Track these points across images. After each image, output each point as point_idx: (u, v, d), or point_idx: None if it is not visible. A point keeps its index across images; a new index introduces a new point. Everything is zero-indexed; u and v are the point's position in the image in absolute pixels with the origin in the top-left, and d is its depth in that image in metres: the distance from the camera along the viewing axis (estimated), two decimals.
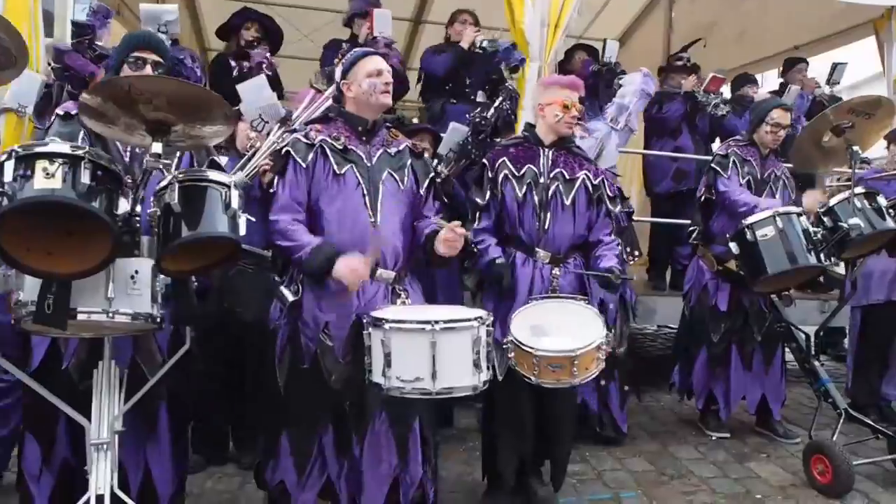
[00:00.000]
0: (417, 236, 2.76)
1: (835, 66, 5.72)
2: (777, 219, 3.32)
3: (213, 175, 2.03)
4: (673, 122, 5.29)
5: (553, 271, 3.10)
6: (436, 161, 3.54)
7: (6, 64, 1.84)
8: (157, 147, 1.89)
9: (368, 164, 2.65)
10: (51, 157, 1.72)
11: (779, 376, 4.17)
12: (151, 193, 2.04)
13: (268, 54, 4.47)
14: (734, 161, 4.05)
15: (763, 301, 3.97)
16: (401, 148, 2.78)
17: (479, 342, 2.33)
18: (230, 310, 3.02)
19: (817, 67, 6.17)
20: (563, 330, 2.78)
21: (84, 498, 2.20)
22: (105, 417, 2.28)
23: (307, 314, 2.59)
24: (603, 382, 4.00)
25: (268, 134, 3.12)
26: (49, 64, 3.61)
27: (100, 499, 2.18)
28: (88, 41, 3.50)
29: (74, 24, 3.61)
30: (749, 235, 3.35)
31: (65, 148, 1.75)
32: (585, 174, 3.15)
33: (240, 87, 3.38)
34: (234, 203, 2.00)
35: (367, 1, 4.72)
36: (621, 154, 4.50)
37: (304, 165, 2.60)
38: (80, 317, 2.03)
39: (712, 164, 4.10)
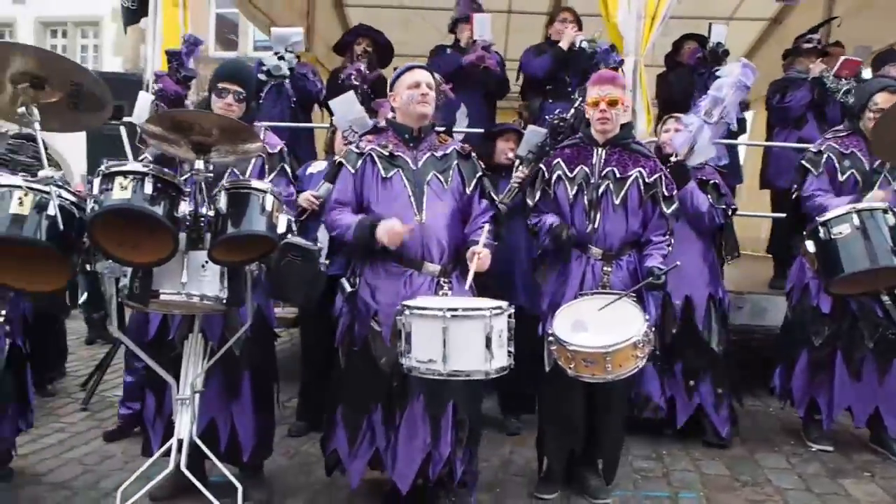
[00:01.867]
0: (466, 238, 3.07)
1: None
2: (856, 215, 3.19)
3: (254, 183, 2.55)
4: (797, 111, 5.02)
5: (604, 268, 3.26)
6: (517, 162, 3.81)
7: (97, 108, 2.45)
8: (199, 164, 2.45)
9: (414, 168, 3.02)
10: (125, 173, 2.33)
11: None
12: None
13: (361, 67, 4.98)
14: (829, 157, 3.85)
15: (877, 305, 3.75)
16: (447, 151, 3.11)
17: (492, 330, 2.58)
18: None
19: None
20: (602, 326, 2.96)
21: (170, 441, 2.84)
22: (188, 379, 2.91)
23: (360, 303, 3.03)
24: (692, 383, 4.04)
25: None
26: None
27: (181, 442, 2.81)
28: (177, 66, 4.25)
29: (167, 52, 4.39)
30: (823, 233, 3.25)
31: (136, 166, 2.35)
32: (639, 172, 3.25)
33: (332, 103, 3.93)
34: (269, 206, 2.50)
35: (470, 6, 5.07)
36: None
37: (352, 171, 3.05)
38: (163, 297, 2.66)
39: (802, 161, 3.93)
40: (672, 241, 3.32)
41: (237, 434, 3.18)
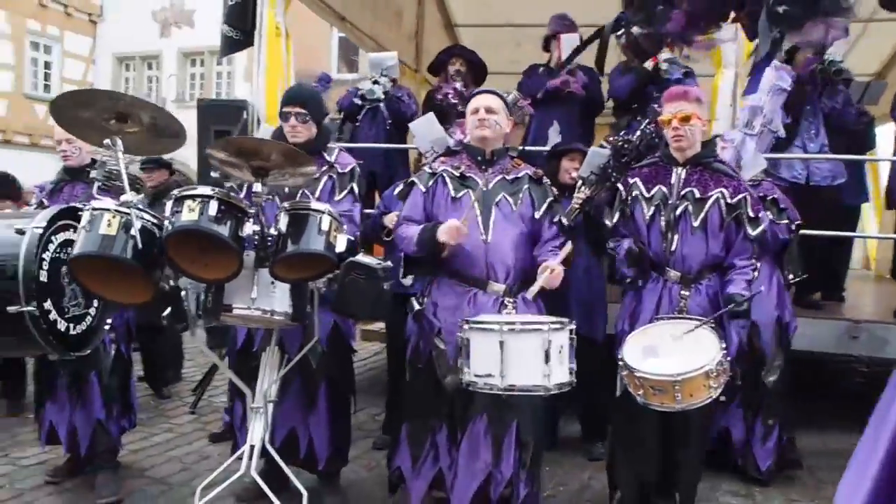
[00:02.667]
0: (534, 261, 3.07)
1: None
2: None
3: (313, 205, 2.71)
4: None
5: (682, 292, 3.15)
6: (579, 182, 3.78)
7: (174, 136, 2.72)
8: (257, 187, 2.64)
9: (484, 189, 3.08)
10: (193, 196, 2.55)
11: None
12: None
13: (457, 86, 5.08)
14: None
15: None
16: (519, 175, 3.15)
17: (551, 345, 2.57)
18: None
19: None
20: (675, 352, 2.87)
21: (242, 448, 3.04)
22: (263, 388, 3.11)
23: (425, 321, 3.12)
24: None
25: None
26: None
27: (253, 448, 3.00)
28: None
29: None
30: None
31: (203, 190, 2.57)
32: (721, 192, 3.11)
33: (412, 125, 4.07)
34: (326, 226, 2.65)
35: (561, 24, 5.05)
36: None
37: (423, 190, 3.15)
38: (235, 311, 2.87)
39: None
40: (758, 265, 3.15)
41: (314, 443, 3.36)
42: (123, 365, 3.67)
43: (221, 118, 5.02)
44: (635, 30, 3.89)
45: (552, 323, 2.61)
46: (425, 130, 4.04)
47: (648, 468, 3.18)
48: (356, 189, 3.38)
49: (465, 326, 2.69)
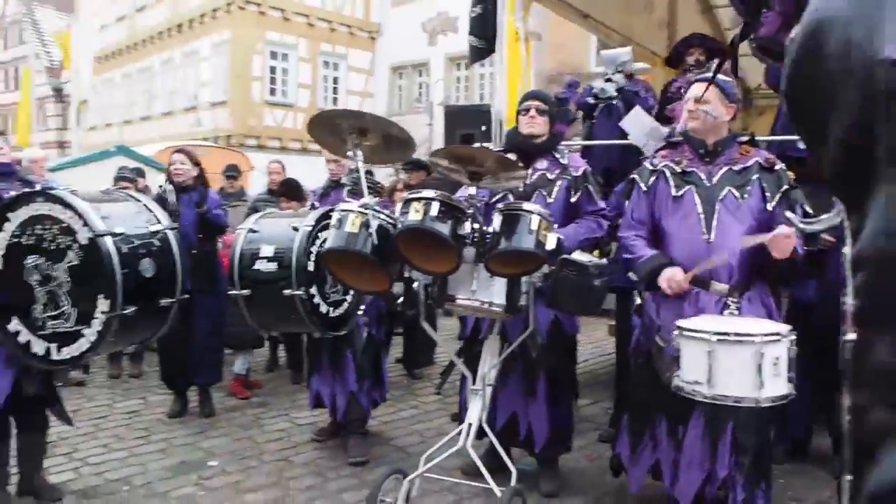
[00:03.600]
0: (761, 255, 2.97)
1: None
2: None
3: (524, 206, 2.94)
4: None
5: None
6: None
7: (405, 147, 3.13)
8: (472, 190, 2.93)
9: (708, 184, 3.04)
10: (418, 199, 2.93)
11: None
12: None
13: (689, 79, 4.90)
14: None
15: None
16: (748, 164, 3.04)
17: (763, 358, 2.51)
18: None
19: None
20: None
21: (461, 426, 3.38)
22: (482, 373, 3.42)
23: (647, 317, 3.20)
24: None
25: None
26: None
27: (470, 426, 3.33)
28: (563, 109, 4.76)
29: (556, 98, 4.91)
30: None
31: (427, 193, 2.94)
32: None
33: (622, 123, 4.09)
34: (535, 226, 2.87)
35: None
36: None
37: (644, 189, 3.21)
38: (458, 301, 3.21)
39: None
40: None
41: (532, 428, 3.61)
42: (375, 346, 4.26)
43: (466, 122, 5.50)
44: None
45: (767, 335, 2.53)
46: (637, 126, 4.04)
47: None
48: (591, 189, 3.56)
49: (677, 332, 2.71)
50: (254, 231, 3.58)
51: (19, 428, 3.44)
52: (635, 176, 3.29)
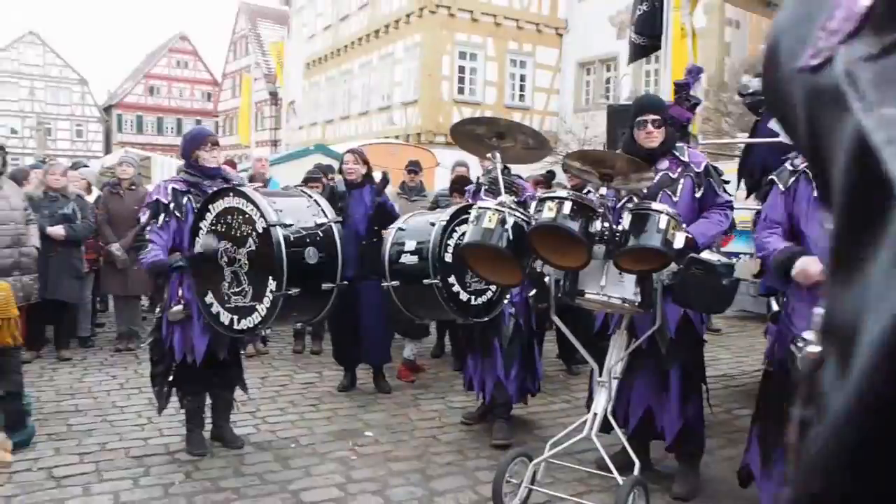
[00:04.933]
0: None
1: None
2: None
3: (653, 205, 3.04)
4: None
5: None
6: None
7: (541, 147, 3.33)
8: (603, 190, 3.06)
9: None
10: (552, 198, 3.13)
11: None
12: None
13: None
14: None
15: None
16: None
17: None
18: None
19: None
20: None
21: (586, 416, 3.52)
22: (608, 366, 3.54)
23: (783, 324, 3.16)
24: None
25: None
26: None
27: (595, 416, 3.46)
28: (685, 94, 4.69)
29: (675, 84, 4.86)
30: None
31: (560, 193, 3.13)
32: None
33: (771, 124, 3.97)
34: (663, 225, 2.96)
35: None
36: None
37: (782, 190, 3.16)
38: (587, 296, 3.37)
39: None
40: None
41: (665, 423, 3.68)
42: (522, 336, 4.49)
43: (628, 120, 5.52)
44: None
45: None
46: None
47: None
48: (714, 182, 3.55)
49: (799, 343, 2.68)
50: (402, 229, 4.00)
51: (213, 386, 4.14)
52: (774, 177, 3.24)
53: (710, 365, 6.03)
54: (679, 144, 3.74)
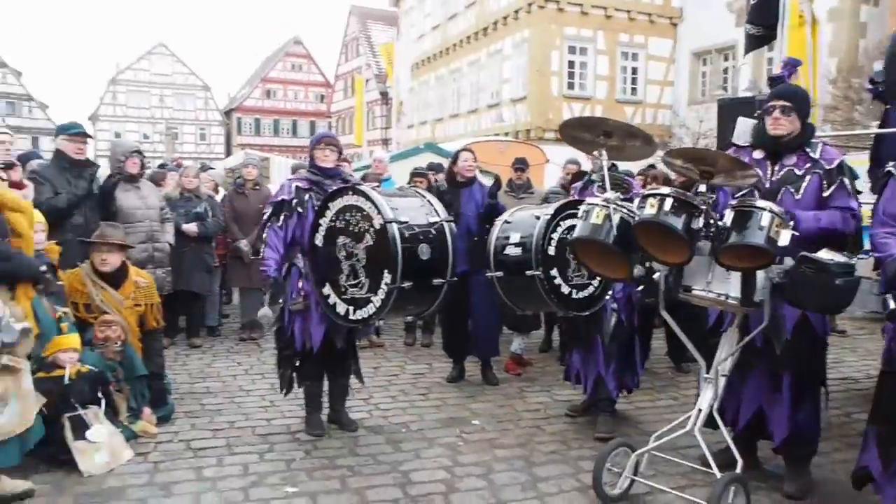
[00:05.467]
0: None
1: None
2: None
3: (757, 203, 3.06)
4: None
5: None
6: None
7: (647, 143, 3.41)
8: (702, 187, 3.10)
9: None
10: (653, 195, 3.21)
11: None
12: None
13: None
14: None
15: None
16: None
17: None
18: None
19: None
20: None
21: (690, 412, 3.56)
22: (716, 362, 3.56)
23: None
24: None
25: None
26: None
27: (700, 411, 3.50)
28: None
29: (769, 77, 4.73)
30: None
31: (662, 189, 3.20)
32: None
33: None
34: (766, 222, 2.98)
35: None
36: None
37: None
38: (693, 292, 3.42)
39: None
40: None
41: (765, 421, 3.69)
42: (623, 333, 4.56)
43: (741, 114, 5.43)
44: None
45: None
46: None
47: None
48: (846, 182, 3.48)
49: None
50: (508, 222, 4.18)
51: (330, 372, 4.49)
52: (891, 168, 3.15)
53: (833, 367, 5.85)
54: (814, 141, 3.65)
